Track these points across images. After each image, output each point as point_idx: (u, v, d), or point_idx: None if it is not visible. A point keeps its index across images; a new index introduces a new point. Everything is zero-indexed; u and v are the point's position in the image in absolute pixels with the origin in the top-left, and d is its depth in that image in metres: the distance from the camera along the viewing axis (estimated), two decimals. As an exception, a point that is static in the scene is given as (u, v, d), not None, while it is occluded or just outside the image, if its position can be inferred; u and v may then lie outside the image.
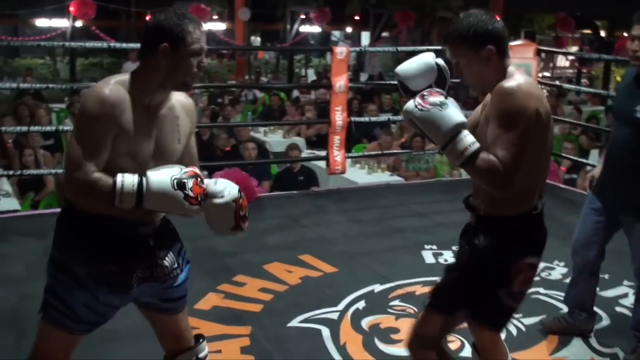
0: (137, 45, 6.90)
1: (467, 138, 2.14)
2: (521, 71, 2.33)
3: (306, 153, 8.78)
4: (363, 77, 18.99)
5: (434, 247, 4.95)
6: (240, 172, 6.13)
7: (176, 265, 2.39)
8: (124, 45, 6.94)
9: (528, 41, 6.64)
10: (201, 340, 2.56)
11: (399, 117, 7.70)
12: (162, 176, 2.06)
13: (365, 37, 25.49)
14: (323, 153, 6.58)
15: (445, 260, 4.71)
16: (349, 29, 26.10)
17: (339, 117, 6.13)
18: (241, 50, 18.64)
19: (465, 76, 2.35)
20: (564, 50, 16.21)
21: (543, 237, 2.42)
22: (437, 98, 2.18)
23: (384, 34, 22.38)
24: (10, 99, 11.33)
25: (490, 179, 2.17)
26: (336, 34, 24.42)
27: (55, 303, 2.22)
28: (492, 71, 2.28)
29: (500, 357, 2.53)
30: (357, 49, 11.38)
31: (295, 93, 14.13)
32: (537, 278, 2.91)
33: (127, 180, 2.05)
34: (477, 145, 2.14)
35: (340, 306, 3.95)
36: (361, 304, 3.99)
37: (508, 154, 2.13)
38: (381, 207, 6.06)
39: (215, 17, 20.06)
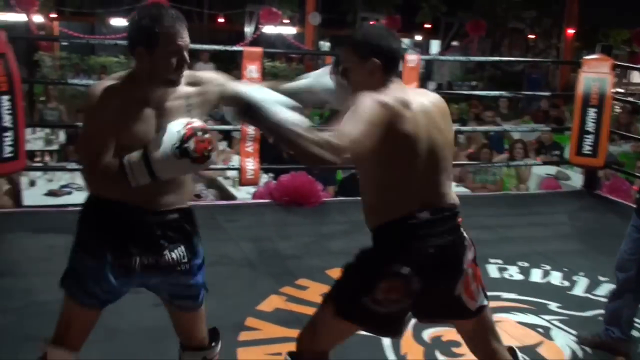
0: (208, 47, 7.08)
1: None
2: (400, 88, 2.34)
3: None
4: (431, 86, 18.86)
5: (499, 261, 4.85)
6: (306, 176, 6.14)
7: (185, 259, 2.41)
8: (196, 45, 7.02)
9: (604, 56, 6.44)
10: (213, 344, 2.62)
11: (467, 128, 7.63)
12: (163, 147, 2.13)
13: (435, 46, 25.34)
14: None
15: (511, 276, 4.62)
16: (418, 37, 25.98)
17: (407, 124, 6.08)
18: (310, 54, 18.72)
19: (349, 82, 2.37)
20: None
21: (422, 250, 2.28)
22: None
23: (454, 43, 22.19)
24: (86, 95, 11.60)
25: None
26: (405, 41, 24.31)
27: (72, 275, 2.39)
28: (374, 84, 2.28)
29: None
30: (429, 57, 11.28)
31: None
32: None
33: (133, 157, 2.15)
34: None
35: (402, 316, 3.90)
36: (423, 315, 3.94)
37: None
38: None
39: (286, 20, 20.20)
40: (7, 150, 4.70)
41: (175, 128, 2.15)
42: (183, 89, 2.31)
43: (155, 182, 2.19)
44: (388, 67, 2.30)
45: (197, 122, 2.20)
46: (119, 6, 20.81)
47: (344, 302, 2.37)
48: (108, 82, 2.26)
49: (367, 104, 2.19)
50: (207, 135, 2.17)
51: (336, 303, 2.39)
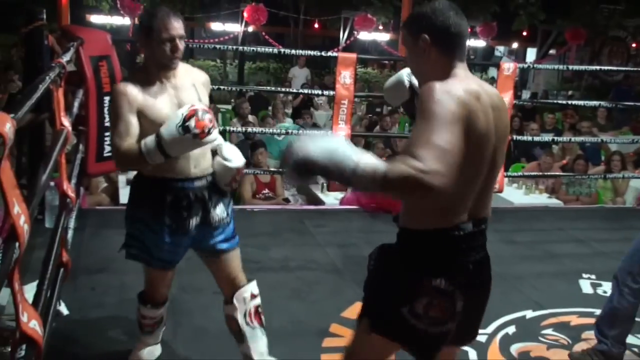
0: (303, 52, 7.18)
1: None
2: (466, 74, 2.02)
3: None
4: (525, 94, 18.46)
5: (593, 276, 4.71)
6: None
7: (226, 214, 2.89)
8: (292, 51, 7.13)
9: None
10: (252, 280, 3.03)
11: (562, 138, 7.42)
12: (169, 128, 2.46)
13: (531, 54, 24.78)
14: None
15: (605, 292, 4.46)
16: (514, 45, 25.49)
17: (500, 134, 5.98)
18: (403, 61, 18.64)
19: (409, 66, 2.16)
20: None
21: (463, 265, 2.04)
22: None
23: (551, 52, 21.66)
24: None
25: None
26: (500, 49, 23.91)
27: (134, 244, 2.85)
28: (434, 69, 2.00)
29: None
30: (525, 65, 11.05)
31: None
32: None
33: (148, 140, 2.51)
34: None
35: (489, 329, 3.83)
36: (511, 329, 3.86)
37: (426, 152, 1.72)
38: (538, 230, 5.85)
39: (380, 27, 20.18)
40: (107, 149, 4.87)
41: (180, 111, 2.48)
42: (186, 72, 2.80)
43: (171, 158, 2.56)
44: (444, 45, 1.99)
45: (199, 105, 2.53)
46: (218, 11, 21.31)
47: (380, 315, 2.10)
48: (123, 84, 2.67)
49: (437, 101, 1.82)
50: (207, 115, 2.48)
51: (371, 317, 2.12)
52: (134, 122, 2.61)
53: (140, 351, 3.18)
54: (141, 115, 2.62)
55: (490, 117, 1.95)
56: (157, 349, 3.25)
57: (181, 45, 2.64)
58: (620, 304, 3.39)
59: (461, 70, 2.02)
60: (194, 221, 2.79)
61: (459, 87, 1.90)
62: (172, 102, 2.67)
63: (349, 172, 1.73)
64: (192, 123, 2.42)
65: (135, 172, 2.92)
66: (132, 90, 2.62)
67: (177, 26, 2.63)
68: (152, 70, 2.69)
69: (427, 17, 1.99)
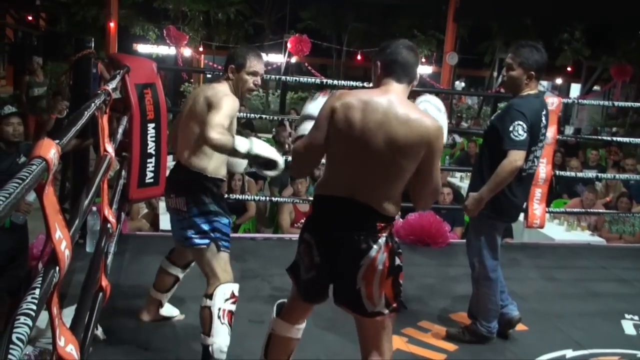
0: (345, 82, 7.22)
1: None
2: (385, 90, 2.59)
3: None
4: (567, 130, 18.27)
5: (636, 317, 4.60)
6: (433, 216, 6.09)
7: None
8: (334, 81, 7.19)
9: None
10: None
11: (606, 175, 7.32)
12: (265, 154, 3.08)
13: (575, 90, 24.58)
14: (521, 205, 6.35)
15: (648, 334, 4.35)
16: (558, 80, 25.31)
17: (542, 169, 5.91)
18: (445, 93, 18.62)
19: None
20: None
21: (318, 220, 2.68)
22: None
23: (595, 88, 21.45)
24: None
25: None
26: (544, 84, 23.75)
27: (220, 236, 3.36)
28: (375, 81, 2.68)
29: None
30: (569, 100, 10.97)
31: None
32: None
33: (242, 141, 3.02)
34: None
35: (528, 367, 3.77)
36: (550, 369, 3.79)
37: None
38: (579, 268, 5.75)
39: (423, 60, 20.23)
40: (149, 176, 4.93)
41: (281, 160, 3.07)
42: None
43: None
44: (385, 69, 2.64)
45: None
46: (262, 41, 21.60)
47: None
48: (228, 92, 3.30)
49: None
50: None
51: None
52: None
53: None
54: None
55: (370, 118, 2.49)
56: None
57: (260, 82, 3.43)
58: (478, 289, 3.93)
59: (386, 86, 2.61)
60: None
61: (349, 92, 2.60)
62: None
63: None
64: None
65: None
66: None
67: (261, 68, 3.39)
68: (235, 92, 3.34)
69: (381, 48, 2.70)
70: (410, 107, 2.56)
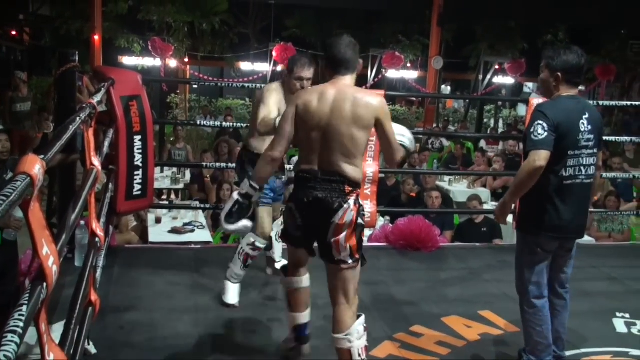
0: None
1: None
2: (334, 83, 3.22)
3: (491, 205, 8.58)
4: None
5: (627, 315, 4.61)
6: (423, 220, 6.09)
7: None
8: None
9: None
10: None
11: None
12: None
13: (561, 90, 24.66)
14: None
15: (639, 332, 4.37)
16: (543, 81, 25.42)
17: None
18: (431, 97, 18.70)
19: None
20: None
21: (299, 190, 3.24)
22: None
23: (580, 88, 21.59)
24: (212, 136, 12.06)
25: None
26: (529, 85, 23.85)
27: (265, 191, 4.32)
28: (323, 78, 3.28)
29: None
30: (554, 100, 11.00)
31: (482, 143, 13.92)
32: None
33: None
34: None
35: (521, 368, 3.76)
36: (543, 369, 3.78)
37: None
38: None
39: (408, 65, 20.29)
40: (137, 188, 4.92)
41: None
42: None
43: None
44: (331, 67, 3.26)
45: None
46: (248, 51, 21.59)
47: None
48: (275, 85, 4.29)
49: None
50: None
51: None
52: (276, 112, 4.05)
53: (235, 288, 4.38)
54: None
55: (323, 107, 3.14)
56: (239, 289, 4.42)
57: (308, 84, 4.10)
58: (524, 319, 3.60)
59: (335, 79, 3.24)
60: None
61: (307, 90, 3.46)
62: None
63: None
64: None
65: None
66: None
67: (308, 73, 4.14)
68: (285, 89, 4.23)
69: (327, 48, 3.29)
70: (356, 90, 3.21)
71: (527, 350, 3.63)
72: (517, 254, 3.68)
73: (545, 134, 3.30)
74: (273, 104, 4.06)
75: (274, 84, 4.29)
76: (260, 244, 4.40)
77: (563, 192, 3.44)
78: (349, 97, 3.13)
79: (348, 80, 3.24)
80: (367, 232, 6.53)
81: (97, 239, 3.21)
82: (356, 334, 3.21)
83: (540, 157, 3.28)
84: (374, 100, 3.17)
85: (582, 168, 3.45)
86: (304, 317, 3.60)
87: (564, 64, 3.44)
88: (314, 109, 3.15)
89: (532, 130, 3.34)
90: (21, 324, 1.48)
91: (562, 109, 3.40)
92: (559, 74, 3.44)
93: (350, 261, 3.19)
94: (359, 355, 3.21)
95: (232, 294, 4.36)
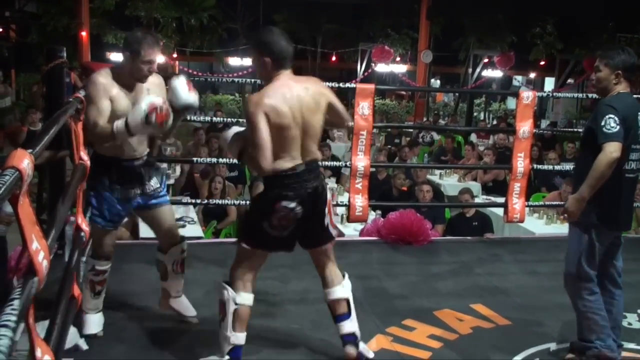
0: (324, 84, 7.16)
1: None
2: (284, 80, 3.23)
3: (482, 198, 8.60)
4: (543, 124, 18.42)
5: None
6: (414, 214, 6.09)
7: (158, 185, 3.81)
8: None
9: None
10: (184, 239, 3.97)
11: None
12: (134, 119, 3.29)
13: (549, 83, 24.78)
14: (499, 199, 6.38)
15: (630, 324, 4.38)
16: (532, 75, 25.50)
17: (520, 163, 5.94)
18: (421, 91, 18.71)
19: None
20: None
21: (298, 191, 3.26)
22: None
23: (569, 81, 21.63)
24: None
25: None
26: (518, 78, 23.93)
27: (93, 211, 3.62)
28: (266, 76, 3.27)
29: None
30: (544, 93, 11.00)
31: (472, 137, 13.94)
32: None
33: (119, 123, 3.34)
34: None
35: (513, 361, 3.77)
36: (535, 362, 3.80)
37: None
38: (560, 261, 5.64)
39: (397, 58, 20.29)
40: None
41: (142, 105, 3.27)
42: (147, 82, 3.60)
43: (131, 139, 3.50)
44: (276, 63, 3.22)
45: (157, 100, 3.32)
46: (236, 46, 21.53)
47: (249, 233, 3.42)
48: (102, 76, 3.47)
49: (251, 113, 3.18)
50: (164, 109, 3.31)
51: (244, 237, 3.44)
52: (107, 109, 3.44)
53: (93, 319, 3.77)
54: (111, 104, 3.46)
55: (293, 104, 3.18)
56: (102, 317, 3.83)
57: (154, 68, 3.54)
58: (583, 306, 3.68)
59: (283, 75, 3.24)
60: (134, 191, 3.68)
61: (264, 94, 3.18)
62: (130, 101, 3.50)
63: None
64: (153, 117, 3.25)
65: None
66: (107, 87, 3.46)
67: (156, 55, 3.50)
68: (126, 76, 3.52)
69: (264, 41, 3.25)
70: (303, 80, 3.33)
71: (591, 339, 3.67)
72: (572, 248, 3.74)
73: (618, 126, 3.44)
74: (104, 104, 3.42)
75: (102, 72, 3.53)
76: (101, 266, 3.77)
77: (623, 185, 3.61)
78: (305, 88, 3.26)
79: (290, 72, 3.30)
80: (359, 226, 6.53)
81: (82, 234, 3.20)
82: (347, 284, 3.61)
83: (616, 149, 3.42)
84: (321, 86, 3.39)
85: (638, 163, 3.66)
86: (244, 338, 3.42)
87: (623, 62, 3.60)
88: (286, 111, 3.16)
89: (603, 124, 3.46)
90: (14, 319, 1.47)
91: (626, 103, 3.57)
92: (620, 71, 3.60)
93: (334, 233, 3.52)
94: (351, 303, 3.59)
95: (91, 324, 3.77)
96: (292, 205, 3.26)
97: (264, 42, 3.24)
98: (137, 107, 3.31)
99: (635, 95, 3.84)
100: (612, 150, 3.41)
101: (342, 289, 3.58)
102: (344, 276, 3.62)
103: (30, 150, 1.67)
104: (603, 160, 3.42)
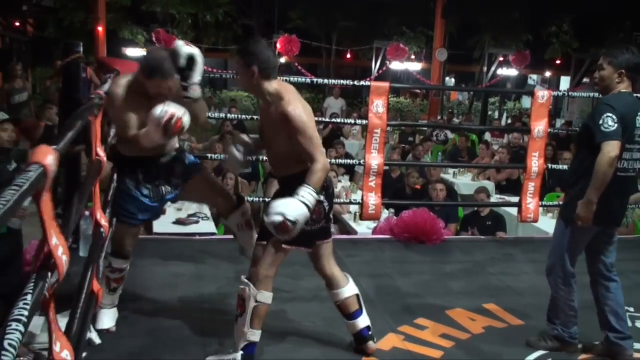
0: (336, 82, 7.19)
1: None
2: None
3: (495, 198, 8.57)
4: (558, 123, 18.32)
5: (631, 309, 4.59)
6: (427, 213, 6.09)
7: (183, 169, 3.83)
8: (325, 80, 7.19)
9: None
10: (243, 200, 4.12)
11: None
12: (151, 125, 3.34)
13: (565, 83, 24.62)
14: (513, 198, 6.36)
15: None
16: (547, 73, 25.34)
17: (535, 163, 5.93)
18: (436, 89, 18.64)
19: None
20: None
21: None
22: None
23: (585, 80, 21.49)
24: (217, 127, 12.05)
25: None
26: (533, 77, 23.77)
27: (122, 212, 3.64)
28: (250, 86, 3.34)
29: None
30: (559, 92, 10.95)
31: (486, 136, 13.89)
32: None
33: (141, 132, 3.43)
34: None
35: (526, 362, 3.77)
36: (547, 362, 3.79)
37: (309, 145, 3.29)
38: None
39: (412, 56, 20.21)
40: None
41: (157, 113, 3.29)
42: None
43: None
44: (263, 73, 3.25)
45: (172, 108, 3.33)
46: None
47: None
48: (119, 87, 3.47)
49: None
50: (180, 118, 3.33)
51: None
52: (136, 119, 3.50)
53: (107, 314, 3.75)
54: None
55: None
56: (116, 313, 3.82)
57: (164, 95, 3.49)
58: (557, 293, 3.89)
59: (272, 81, 3.31)
60: (164, 189, 3.71)
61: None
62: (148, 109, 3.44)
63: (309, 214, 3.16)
64: (170, 128, 3.31)
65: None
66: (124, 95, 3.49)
67: (171, 81, 3.47)
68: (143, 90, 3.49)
69: (253, 51, 3.25)
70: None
71: (559, 324, 3.95)
72: (556, 240, 3.91)
73: (616, 125, 3.48)
74: (129, 116, 3.51)
75: (119, 83, 3.54)
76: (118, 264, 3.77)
77: (614, 184, 3.60)
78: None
79: (278, 81, 3.38)
80: (372, 224, 6.53)
81: (101, 229, 3.22)
82: (351, 279, 3.71)
83: (614, 147, 3.47)
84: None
85: (632, 162, 3.68)
86: (259, 335, 3.44)
87: (627, 61, 3.64)
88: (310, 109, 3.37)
89: (601, 122, 3.50)
90: (26, 313, 1.49)
91: (625, 103, 3.60)
92: (623, 70, 3.64)
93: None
94: None
95: (105, 319, 3.78)
96: (322, 199, 3.38)
97: (250, 51, 3.25)
98: (152, 114, 3.33)
99: (635, 95, 3.84)
100: (610, 149, 3.47)
101: (350, 285, 3.67)
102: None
103: (54, 147, 1.69)
104: (602, 160, 3.48)
